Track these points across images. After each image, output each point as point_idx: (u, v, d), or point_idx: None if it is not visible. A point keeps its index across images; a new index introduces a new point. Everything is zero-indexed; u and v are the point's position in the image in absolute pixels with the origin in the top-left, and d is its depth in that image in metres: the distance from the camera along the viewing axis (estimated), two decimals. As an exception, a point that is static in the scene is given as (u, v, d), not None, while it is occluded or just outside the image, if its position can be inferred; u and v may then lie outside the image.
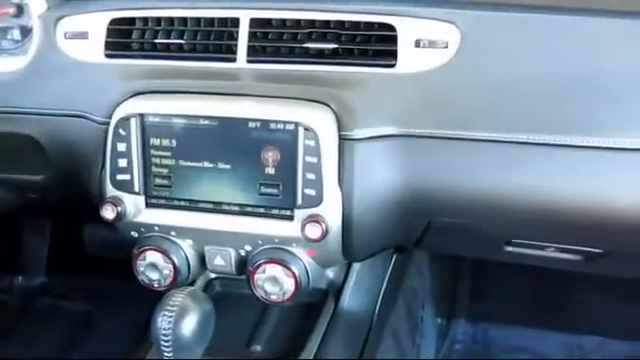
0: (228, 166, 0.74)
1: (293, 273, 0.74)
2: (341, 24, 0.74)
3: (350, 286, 0.93)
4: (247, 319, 0.91)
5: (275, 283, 0.75)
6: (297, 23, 0.76)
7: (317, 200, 0.71)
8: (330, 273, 0.96)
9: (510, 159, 0.69)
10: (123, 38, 0.80)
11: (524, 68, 0.68)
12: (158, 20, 0.79)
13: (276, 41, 0.76)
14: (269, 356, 0.86)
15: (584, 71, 0.67)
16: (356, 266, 0.94)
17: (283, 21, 0.76)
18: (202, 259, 0.79)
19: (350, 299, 0.93)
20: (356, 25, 0.74)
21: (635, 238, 0.71)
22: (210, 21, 0.78)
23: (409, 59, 0.71)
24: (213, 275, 0.94)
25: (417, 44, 0.71)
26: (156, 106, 0.75)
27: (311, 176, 0.70)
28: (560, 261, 0.82)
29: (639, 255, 0.77)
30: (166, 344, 0.63)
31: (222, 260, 0.78)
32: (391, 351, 1.11)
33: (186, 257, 0.78)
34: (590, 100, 0.67)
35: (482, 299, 1.46)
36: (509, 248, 0.82)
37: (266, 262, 0.74)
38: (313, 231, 0.70)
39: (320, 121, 0.70)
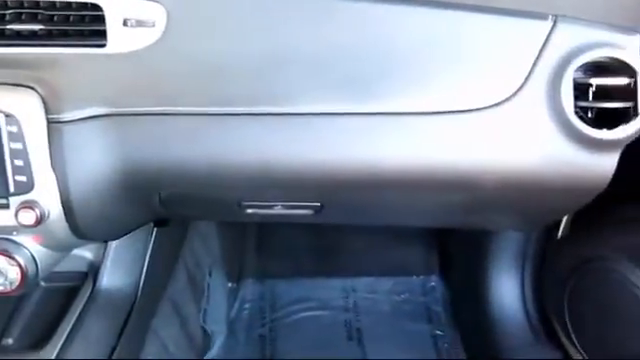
0: None
1: (17, 262, 0.73)
2: (52, 5, 0.73)
3: (108, 265, 0.95)
4: (1, 313, 0.89)
5: (-1, 274, 0.74)
6: (4, 4, 0.73)
7: (29, 186, 0.70)
8: (88, 254, 0.96)
9: (223, 130, 0.75)
10: None
11: (228, 45, 0.73)
12: None
13: (-18, 23, 0.73)
14: (21, 347, 0.85)
15: (282, 46, 0.74)
16: (113, 244, 0.95)
17: (-12, 2, 0.73)
18: None
19: (109, 278, 0.95)
20: (68, 5, 0.73)
21: (344, 192, 0.82)
22: None
23: (118, 39, 0.72)
24: (-41, 273, 0.89)
25: (125, 23, 0.72)
26: None
27: (19, 162, 0.70)
28: (296, 216, 0.91)
29: (352, 206, 0.88)
30: None
31: (-60, 257, 0.75)
32: (169, 318, 1.15)
33: None
34: (289, 73, 0.74)
35: (269, 257, 1.56)
36: (249, 210, 0.89)
37: (-14, 254, 0.73)
38: (26, 217, 0.70)
39: (22, 106, 0.69)
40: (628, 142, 0.75)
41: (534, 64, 0.74)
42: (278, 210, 0.87)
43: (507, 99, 0.74)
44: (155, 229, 1.02)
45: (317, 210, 0.87)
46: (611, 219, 0.99)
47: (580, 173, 0.77)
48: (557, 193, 0.80)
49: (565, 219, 1.14)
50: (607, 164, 0.76)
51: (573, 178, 0.77)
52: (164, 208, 0.84)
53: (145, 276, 1.00)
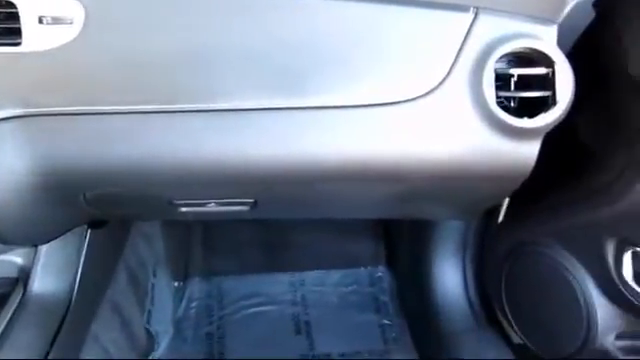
0: None
1: None
2: None
3: (38, 270, 0.92)
4: None
5: None
6: None
7: (-59, 192, 0.68)
8: (18, 259, 0.93)
9: (150, 129, 0.73)
10: None
11: (153, 42, 0.71)
12: None
13: None
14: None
15: (212, 42, 0.73)
16: (43, 248, 0.93)
17: None
18: None
19: (41, 283, 0.92)
20: None
21: (278, 187, 0.82)
22: None
23: (34, 37, 0.70)
24: None
25: (40, 21, 0.70)
26: None
27: None
28: (231, 213, 0.90)
29: (286, 200, 0.88)
30: None
31: None
32: (110, 321, 1.13)
33: None
34: (220, 69, 0.73)
35: (215, 254, 1.54)
36: (183, 209, 0.88)
37: None
38: (-60, 225, 0.67)
39: None
40: (548, 130, 0.77)
41: (457, 55, 0.75)
42: (212, 208, 0.86)
43: (432, 90, 0.75)
44: (89, 231, 1.00)
45: (252, 206, 0.87)
46: (543, 204, 1.02)
47: (504, 161, 0.79)
48: (484, 181, 0.82)
49: (503, 205, 1.17)
50: (529, 152, 0.78)
51: (498, 166, 0.79)
52: (91, 208, 0.82)
53: (80, 280, 0.98)
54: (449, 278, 1.32)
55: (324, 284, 1.52)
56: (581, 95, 0.89)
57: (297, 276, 1.52)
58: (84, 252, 0.99)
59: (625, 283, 0.86)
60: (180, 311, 1.43)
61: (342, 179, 0.80)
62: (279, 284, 1.50)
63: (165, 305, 1.39)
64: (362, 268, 1.57)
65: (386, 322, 1.46)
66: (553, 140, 0.91)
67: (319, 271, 1.54)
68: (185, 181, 0.76)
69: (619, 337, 0.93)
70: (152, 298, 1.33)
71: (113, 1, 0.71)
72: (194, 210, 0.87)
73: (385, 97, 0.75)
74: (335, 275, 1.54)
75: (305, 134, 0.75)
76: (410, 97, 0.75)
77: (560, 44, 0.82)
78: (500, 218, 1.18)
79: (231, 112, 0.73)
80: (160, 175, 0.74)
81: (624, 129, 0.80)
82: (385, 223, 1.61)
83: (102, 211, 0.84)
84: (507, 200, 1.14)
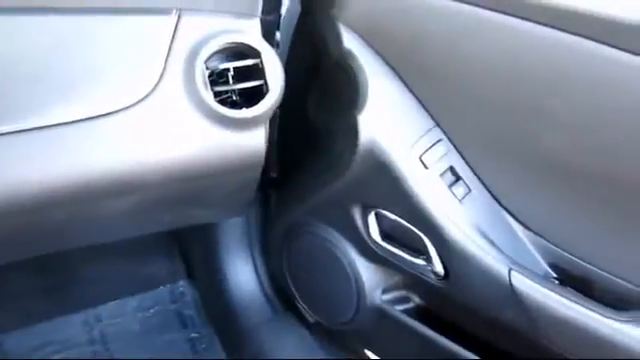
0: None
1: None
2: None
3: None
4: None
5: None
6: None
7: None
8: None
9: None
10: None
11: None
12: None
13: None
14: None
15: None
16: None
17: None
18: None
19: None
20: None
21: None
22: None
23: None
24: None
25: None
26: None
27: None
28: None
29: (19, 235, 0.81)
30: None
31: None
32: None
33: None
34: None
35: None
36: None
37: None
38: None
39: None
40: (269, 116, 0.82)
41: (167, 58, 0.76)
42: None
43: (147, 96, 0.75)
44: None
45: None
46: (297, 186, 1.07)
47: (236, 153, 0.82)
48: (224, 175, 0.85)
49: (272, 194, 1.22)
50: (257, 140, 0.82)
51: (231, 158, 0.82)
52: None
53: None
54: (242, 275, 1.34)
55: (123, 314, 1.45)
56: (307, 81, 0.96)
57: (91, 313, 1.42)
58: None
59: (375, 242, 0.95)
60: (-42, 387, 1.26)
61: (70, 202, 0.76)
62: (72, 327, 1.39)
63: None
64: (161, 287, 1.52)
65: (194, 335, 1.44)
66: (296, 125, 0.97)
67: (115, 302, 1.46)
68: None
69: (385, 291, 1.02)
70: None
71: None
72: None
73: (100, 109, 0.73)
74: (133, 302, 1.47)
75: (17, 161, 0.70)
76: (125, 105, 0.74)
77: (284, 35, 0.87)
78: (271, 207, 1.23)
79: None
80: None
81: (339, 106, 0.88)
82: (177, 236, 1.58)
83: None
84: (273, 189, 1.19)
